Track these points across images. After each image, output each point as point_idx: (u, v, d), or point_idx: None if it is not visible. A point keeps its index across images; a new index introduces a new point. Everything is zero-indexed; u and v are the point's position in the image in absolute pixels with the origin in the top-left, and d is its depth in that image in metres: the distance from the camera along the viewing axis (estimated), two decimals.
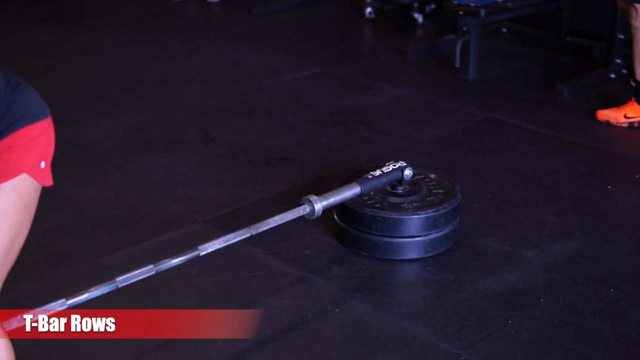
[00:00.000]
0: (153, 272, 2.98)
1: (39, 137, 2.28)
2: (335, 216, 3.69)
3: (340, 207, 3.63)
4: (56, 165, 4.27)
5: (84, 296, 2.79)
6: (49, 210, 3.94)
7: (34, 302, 3.28)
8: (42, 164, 2.29)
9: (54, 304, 2.70)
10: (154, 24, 7.68)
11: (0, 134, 2.21)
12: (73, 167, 4.53)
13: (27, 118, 2.26)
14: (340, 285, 3.42)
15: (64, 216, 4.02)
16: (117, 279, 2.89)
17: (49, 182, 2.34)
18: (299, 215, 3.42)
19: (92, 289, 2.83)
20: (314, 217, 3.43)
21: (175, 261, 3.04)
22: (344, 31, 7.27)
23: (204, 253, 3.12)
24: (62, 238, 3.84)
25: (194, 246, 3.60)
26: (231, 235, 3.23)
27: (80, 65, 6.56)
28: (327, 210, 3.67)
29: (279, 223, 3.38)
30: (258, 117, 5.25)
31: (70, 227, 3.95)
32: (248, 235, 3.27)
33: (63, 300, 2.72)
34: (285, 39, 6.99)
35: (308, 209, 3.41)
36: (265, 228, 3.33)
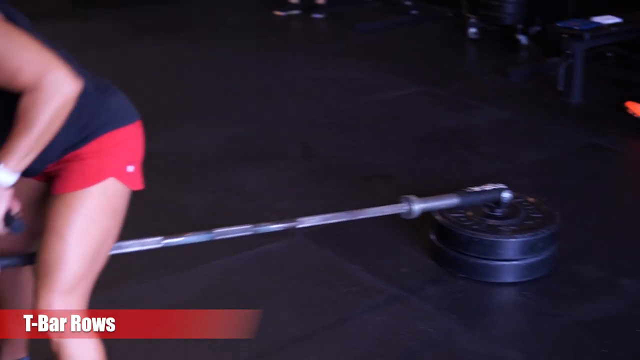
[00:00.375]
0: (250, 232, 3.05)
1: (126, 142, 2.33)
2: (432, 236, 3.70)
3: (438, 226, 3.64)
4: (160, 172, 4.40)
5: (180, 239, 2.86)
6: (152, 216, 4.05)
7: (133, 304, 3.41)
8: (130, 168, 2.33)
9: (150, 240, 2.77)
10: (259, 37, 7.79)
11: (87, 137, 2.27)
12: (177, 175, 4.64)
13: (113, 122, 2.31)
14: (435, 305, 3.43)
15: (166, 222, 4.11)
16: (214, 231, 2.94)
17: (139, 185, 2.38)
18: (396, 211, 3.46)
19: (188, 234, 2.88)
20: (410, 217, 3.45)
21: (274, 227, 3.11)
22: (447, 51, 7.28)
23: (300, 225, 3.19)
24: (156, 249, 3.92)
25: (291, 258, 3.70)
26: (330, 215, 3.31)
27: (186, 74, 6.70)
28: (424, 230, 3.70)
29: (377, 215, 3.46)
30: (358, 134, 5.30)
31: (172, 233, 4.02)
32: (346, 219, 3.37)
33: (160, 238, 2.79)
34: (387, 57, 7.03)
35: (406, 208, 3.43)
36: (362, 216, 3.42)
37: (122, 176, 2.30)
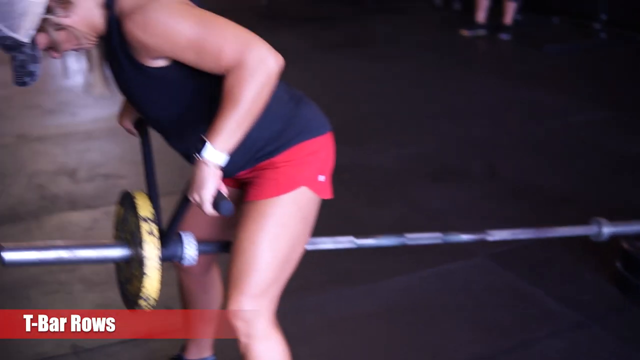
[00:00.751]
0: (439, 241, 3.03)
1: (318, 152, 2.37)
2: (618, 264, 3.65)
3: (624, 255, 3.60)
4: (345, 186, 4.50)
5: (371, 241, 2.87)
6: (338, 227, 4.11)
7: (315, 313, 3.51)
8: (321, 178, 2.38)
9: (343, 238, 2.80)
10: (444, 56, 7.85)
11: (281, 146, 2.33)
12: (360, 190, 4.74)
13: (306, 132, 2.36)
14: (617, 335, 3.38)
15: (351, 234, 4.19)
16: (406, 235, 2.92)
17: (329, 194, 2.42)
18: (586, 233, 3.42)
19: (380, 236, 2.88)
20: (599, 239, 3.40)
21: (464, 237, 3.09)
22: (637, 76, 7.12)
23: (490, 238, 3.15)
24: (347, 257, 3.98)
25: (474, 278, 3.72)
26: (519, 231, 3.28)
27: (370, 91, 6.82)
28: (609, 258, 3.66)
29: (566, 235, 3.44)
30: (543, 157, 5.26)
31: (351, 249, 4.11)
32: (535, 236, 3.34)
33: (352, 237, 2.81)
34: (575, 80, 6.95)
35: (595, 230, 3.39)
36: (551, 234, 3.39)
37: (313, 185, 2.35)
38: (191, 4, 2.18)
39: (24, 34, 2.11)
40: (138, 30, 2.10)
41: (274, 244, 2.30)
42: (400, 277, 3.80)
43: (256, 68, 2.04)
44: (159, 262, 2.27)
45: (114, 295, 3.63)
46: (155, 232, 2.28)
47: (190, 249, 2.37)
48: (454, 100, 6.48)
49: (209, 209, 2.14)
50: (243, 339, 2.34)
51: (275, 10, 9.95)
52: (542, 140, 5.56)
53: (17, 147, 5.82)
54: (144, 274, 2.26)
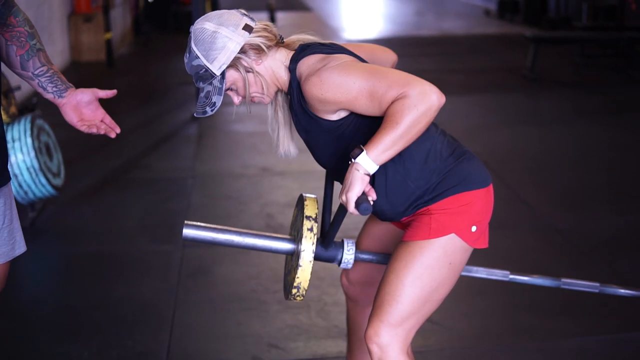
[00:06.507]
0: (596, 290, 3.01)
1: (474, 203, 2.55)
2: None
3: None
4: (553, 248, 4.51)
5: (525, 278, 2.92)
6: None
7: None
8: (473, 228, 2.55)
9: (498, 271, 2.90)
10: None
11: (437, 196, 2.54)
12: (567, 253, 4.74)
13: (463, 185, 2.55)
14: None
15: (533, 293, 4.22)
16: (562, 280, 2.97)
17: (483, 245, 2.60)
18: None
19: (536, 276, 2.94)
20: None
21: (622, 291, 3.06)
22: None
23: None
24: (528, 313, 4.08)
25: None
26: None
27: (612, 159, 6.80)
28: None
29: None
30: None
31: (535, 304, 4.19)
32: None
33: (507, 272, 2.90)
34: None
35: None
36: None
37: (464, 234, 2.54)
38: (357, 60, 2.50)
39: (217, 67, 2.49)
40: (315, 88, 2.41)
41: (416, 281, 2.51)
42: (576, 339, 3.84)
43: (419, 99, 2.28)
44: (313, 256, 2.54)
45: (305, 319, 3.94)
46: (315, 229, 2.56)
47: (349, 255, 2.66)
48: None
49: (352, 208, 2.37)
50: None
51: (539, 72, 10.02)
52: None
53: (259, 178, 6.31)
54: (299, 265, 2.55)
